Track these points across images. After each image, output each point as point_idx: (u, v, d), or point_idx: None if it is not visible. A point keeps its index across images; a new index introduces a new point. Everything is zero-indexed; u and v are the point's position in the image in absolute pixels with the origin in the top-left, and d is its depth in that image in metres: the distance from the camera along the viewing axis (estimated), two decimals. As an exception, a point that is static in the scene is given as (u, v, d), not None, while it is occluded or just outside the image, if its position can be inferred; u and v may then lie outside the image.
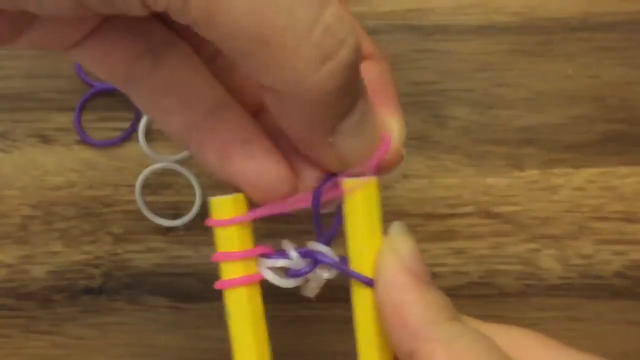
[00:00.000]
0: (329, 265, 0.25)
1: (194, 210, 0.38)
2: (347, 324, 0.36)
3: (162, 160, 0.38)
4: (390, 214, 0.37)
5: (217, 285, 0.24)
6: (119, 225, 0.38)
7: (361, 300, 0.24)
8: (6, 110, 0.39)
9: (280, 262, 0.25)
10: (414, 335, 0.22)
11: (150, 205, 0.38)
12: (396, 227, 0.24)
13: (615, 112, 0.38)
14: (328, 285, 0.25)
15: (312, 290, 0.25)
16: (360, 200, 0.23)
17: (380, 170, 0.24)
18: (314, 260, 0.25)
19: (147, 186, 0.38)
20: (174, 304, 0.37)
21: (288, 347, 0.37)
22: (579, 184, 0.37)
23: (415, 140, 0.38)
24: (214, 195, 0.38)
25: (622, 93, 0.38)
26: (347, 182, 0.23)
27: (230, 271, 0.24)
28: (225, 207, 0.24)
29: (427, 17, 0.39)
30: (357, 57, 0.21)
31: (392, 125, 0.24)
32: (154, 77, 0.24)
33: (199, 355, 0.37)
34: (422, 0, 0.39)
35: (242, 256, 0.24)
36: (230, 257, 0.24)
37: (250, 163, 0.23)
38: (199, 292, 0.37)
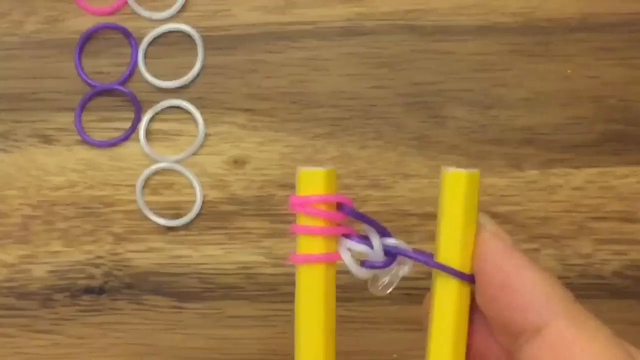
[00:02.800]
0: (417, 261, 0.24)
1: (194, 210, 0.38)
2: (347, 323, 0.37)
3: (162, 160, 0.38)
4: (390, 214, 0.37)
5: (292, 258, 0.23)
6: (119, 225, 0.38)
7: (446, 295, 0.23)
8: (7, 111, 0.39)
9: (361, 248, 0.23)
10: (542, 312, 0.21)
11: (151, 205, 0.38)
12: (485, 217, 0.24)
13: (614, 112, 0.38)
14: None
15: (383, 288, 0.24)
16: (463, 192, 0.23)
17: None
18: (394, 256, 0.24)
19: (147, 186, 0.38)
20: (174, 304, 0.37)
21: (288, 347, 0.37)
22: (578, 184, 0.37)
23: (415, 141, 0.38)
24: (214, 195, 0.38)
25: (621, 93, 0.38)
26: (451, 174, 0.23)
27: (310, 245, 0.22)
28: (316, 180, 0.22)
29: (427, 18, 0.39)
30: None
31: None
32: None
33: (199, 355, 0.37)
34: (422, 0, 0.39)
35: (326, 232, 0.22)
36: (314, 230, 0.22)
37: None
38: (199, 292, 0.37)
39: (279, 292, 0.37)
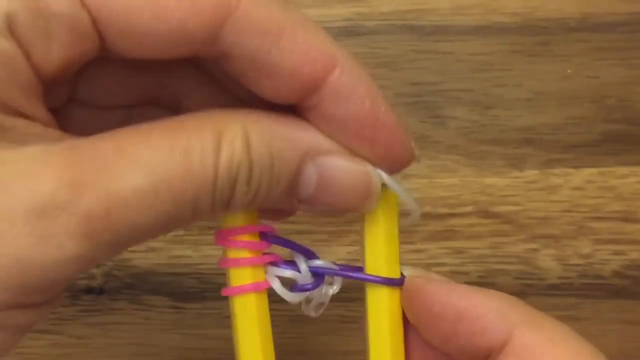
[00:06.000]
0: (344, 277, 0.25)
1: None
2: (346, 323, 0.37)
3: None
4: (389, 214, 0.37)
5: (224, 292, 0.24)
6: (119, 225, 0.38)
7: (378, 303, 0.24)
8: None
9: (288, 273, 0.24)
10: (502, 327, 0.22)
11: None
12: (409, 267, 0.25)
13: (614, 112, 0.38)
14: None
15: (314, 308, 0.25)
16: (381, 207, 0.24)
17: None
18: (321, 277, 0.25)
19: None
20: (174, 304, 0.37)
21: (288, 347, 0.37)
22: (578, 184, 0.37)
23: (415, 141, 0.38)
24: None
25: (621, 93, 0.38)
26: None
27: (239, 277, 0.24)
28: (238, 213, 0.23)
29: (426, 18, 0.39)
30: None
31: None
32: None
33: (199, 355, 0.37)
34: (422, 0, 0.39)
35: (252, 263, 0.24)
36: (240, 263, 0.23)
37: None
38: (199, 292, 0.37)
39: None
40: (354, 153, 0.22)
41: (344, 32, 0.39)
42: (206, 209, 0.20)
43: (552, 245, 0.37)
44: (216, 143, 0.19)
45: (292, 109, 0.22)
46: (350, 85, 0.21)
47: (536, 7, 0.39)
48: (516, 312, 0.22)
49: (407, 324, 0.24)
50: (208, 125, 0.20)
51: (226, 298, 0.37)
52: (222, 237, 0.24)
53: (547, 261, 0.37)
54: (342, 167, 0.22)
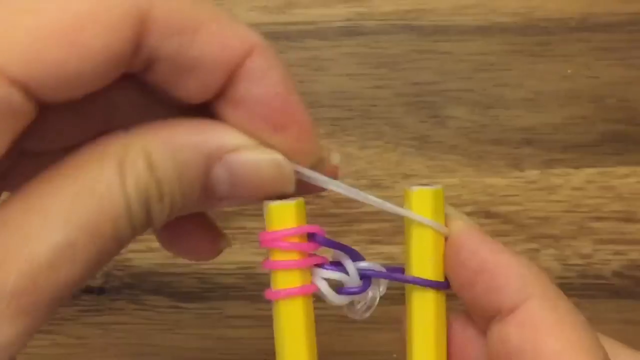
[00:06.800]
0: (393, 280, 0.24)
1: (194, 210, 0.38)
2: (346, 323, 0.37)
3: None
4: (390, 214, 0.37)
5: (269, 295, 0.23)
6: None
7: (424, 307, 0.24)
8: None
9: (337, 275, 0.23)
10: (517, 292, 0.22)
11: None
12: (453, 209, 0.24)
13: (614, 112, 0.38)
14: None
15: (361, 312, 0.24)
16: (430, 208, 0.23)
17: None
18: (369, 279, 0.24)
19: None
20: (174, 304, 0.37)
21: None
22: (578, 184, 0.37)
23: (415, 141, 0.38)
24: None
25: (621, 93, 0.38)
26: (417, 192, 0.23)
27: (285, 280, 0.22)
28: (286, 214, 0.22)
29: (427, 18, 0.39)
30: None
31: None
32: None
33: (199, 355, 0.37)
34: (422, 0, 0.39)
35: (301, 265, 0.22)
36: (289, 265, 0.22)
37: None
38: (199, 292, 0.37)
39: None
40: (263, 144, 0.21)
41: (344, 32, 0.39)
42: (128, 236, 0.20)
43: (552, 245, 0.37)
44: (120, 172, 0.19)
45: (205, 105, 0.21)
46: (265, 68, 0.21)
47: (536, 7, 0.39)
48: (537, 283, 0.22)
49: (449, 328, 0.24)
50: (108, 156, 0.19)
51: (225, 298, 0.37)
52: (269, 239, 0.22)
53: (548, 261, 0.37)
54: (249, 160, 0.21)
